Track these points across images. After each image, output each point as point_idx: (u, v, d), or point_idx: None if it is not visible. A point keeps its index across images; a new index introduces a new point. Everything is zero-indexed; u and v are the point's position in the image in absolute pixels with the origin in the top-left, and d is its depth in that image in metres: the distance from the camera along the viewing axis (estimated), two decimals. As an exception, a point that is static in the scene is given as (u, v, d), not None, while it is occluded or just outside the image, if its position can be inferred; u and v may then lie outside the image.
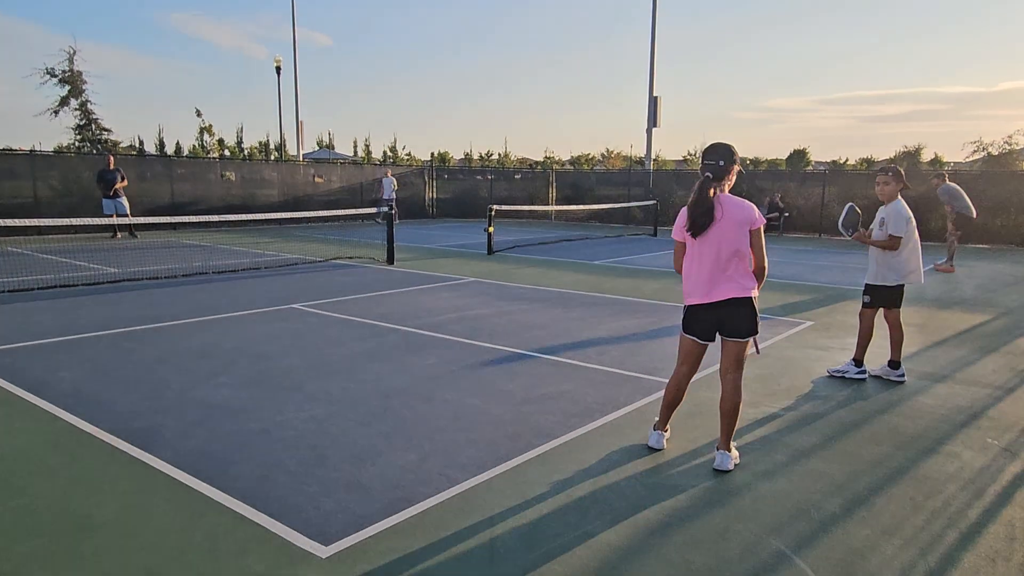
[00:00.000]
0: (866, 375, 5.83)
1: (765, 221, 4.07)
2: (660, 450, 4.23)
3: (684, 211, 4.01)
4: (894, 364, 5.84)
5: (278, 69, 29.67)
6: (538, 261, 13.97)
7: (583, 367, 6.02)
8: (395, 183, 23.62)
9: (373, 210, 21.03)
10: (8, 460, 3.94)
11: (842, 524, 3.36)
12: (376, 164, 30.32)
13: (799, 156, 31.08)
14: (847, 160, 28.69)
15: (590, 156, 41.61)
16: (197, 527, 3.22)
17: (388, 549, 3.06)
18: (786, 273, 12.56)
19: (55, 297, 8.97)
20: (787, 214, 21.59)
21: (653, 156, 27.46)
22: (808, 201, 22.01)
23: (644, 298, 9.61)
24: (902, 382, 5.75)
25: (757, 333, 4.03)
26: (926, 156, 26.58)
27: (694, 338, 4.07)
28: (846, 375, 5.84)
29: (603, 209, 23.57)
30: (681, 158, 46.56)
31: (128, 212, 16.48)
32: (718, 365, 4.20)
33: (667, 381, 4.34)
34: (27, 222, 10.44)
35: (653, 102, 25.56)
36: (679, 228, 4.03)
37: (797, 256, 15.46)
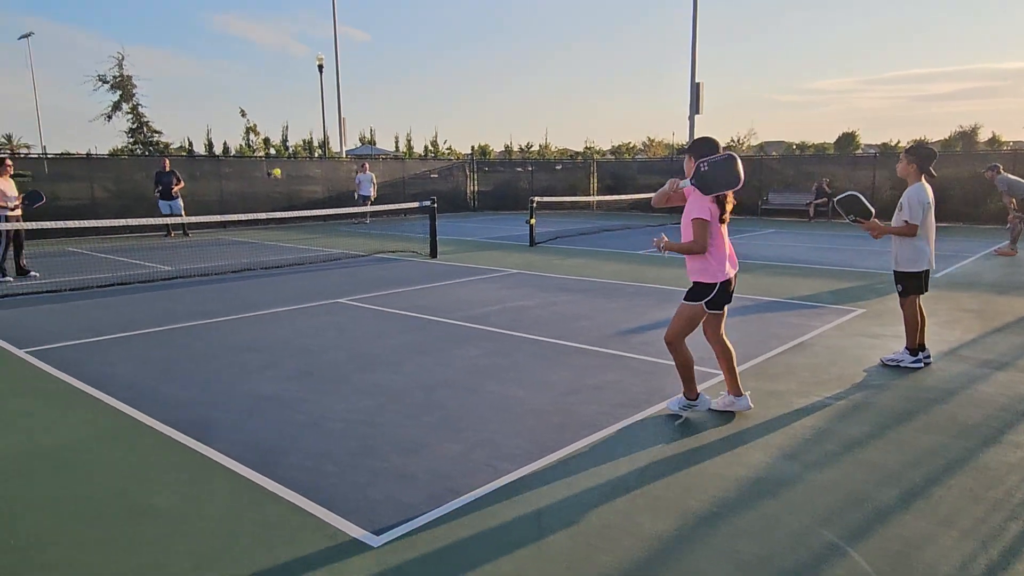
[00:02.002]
0: (922, 363, 5.65)
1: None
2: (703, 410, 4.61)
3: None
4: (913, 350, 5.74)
5: (320, 67, 30.07)
6: (580, 252, 13.90)
7: (628, 357, 5.98)
8: (375, 178, 21.62)
9: (358, 209, 19.07)
10: (72, 450, 4.11)
11: (898, 515, 3.27)
12: (419, 158, 30.54)
13: (847, 139, 30.25)
14: (899, 142, 27.78)
15: (631, 145, 41.20)
16: (250, 515, 3.31)
17: (437, 539, 3.09)
18: (835, 260, 12.24)
19: (113, 295, 9.30)
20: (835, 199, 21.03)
21: (695, 143, 26.99)
22: (858, 186, 21.36)
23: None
24: (919, 367, 5.63)
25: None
26: (983, 135, 25.55)
27: (716, 311, 4.48)
28: (900, 364, 5.67)
29: (645, 198, 23.25)
30: (724, 144, 45.75)
31: (183, 212, 16.96)
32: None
33: (709, 369, 4.32)
34: (86, 223, 10.83)
35: (695, 88, 25.12)
36: (708, 207, 4.30)
37: (846, 242, 15.05)
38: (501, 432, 4.33)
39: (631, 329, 7.06)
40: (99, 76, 27.68)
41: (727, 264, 4.40)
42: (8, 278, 10.50)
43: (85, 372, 5.65)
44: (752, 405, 4.66)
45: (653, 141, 41.83)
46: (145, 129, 28.77)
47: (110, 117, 28.45)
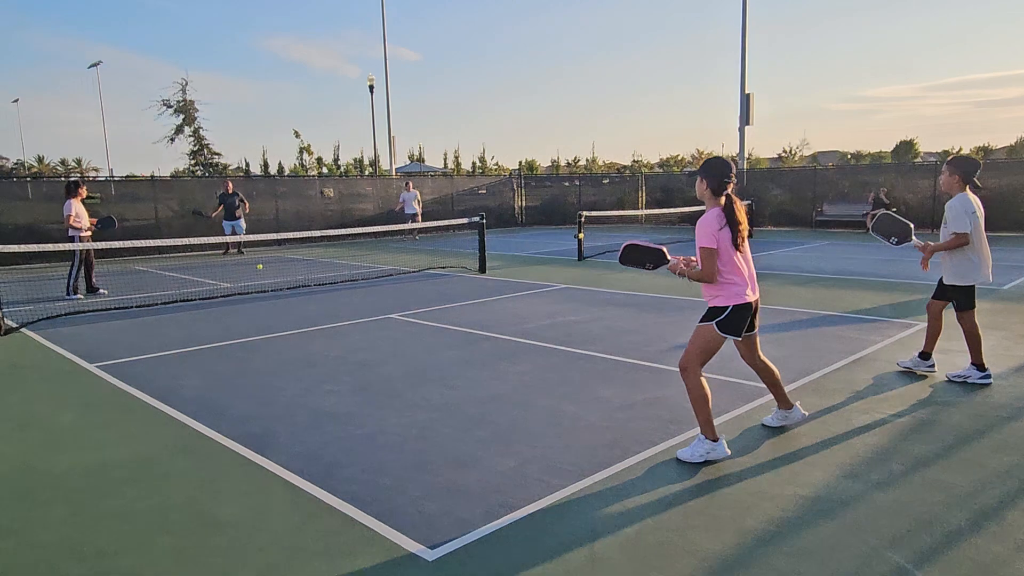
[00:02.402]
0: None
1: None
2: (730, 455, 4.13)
3: (716, 219, 4.02)
4: (925, 355, 5.75)
5: (371, 87, 30.80)
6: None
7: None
8: (419, 196, 21.76)
9: (406, 226, 18.43)
10: (143, 462, 4.28)
11: (969, 538, 3.15)
12: (466, 175, 30.87)
13: (906, 147, 29.35)
14: (960, 149, 26.83)
15: (679, 158, 40.87)
16: (311, 527, 3.39)
17: (491, 554, 3.11)
18: (896, 272, 11.87)
19: (176, 311, 9.66)
20: (893, 210, 20.41)
21: (746, 154, 26.62)
22: (917, 195, 20.73)
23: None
24: (932, 372, 5.68)
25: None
26: (1053, 141, 24.46)
27: (732, 336, 4.09)
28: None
29: (695, 211, 23.04)
30: (776, 155, 44.90)
31: (243, 232, 17.55)
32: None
33: (761, 384, 4.23)
34: (151, 243, 11.30)
35: (745, 99, 24.81)
36: (713, 235, 4.01)
37: (907, 253, 14.56)
38: (553, 447, 4.33)
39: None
40: (163, 101, 29.01)
41: (746, 289, 4.08)
42: (79, 295, 11.01)
43: (151, 386, 5.88)
44: (805, 413, 4.63)
45: (703, 153, 41.38)
46: (205, 151, 29.91)
47: (173, 140, 29.71)
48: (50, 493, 3.87)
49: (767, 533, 3.24)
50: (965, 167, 5.45)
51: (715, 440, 4.07)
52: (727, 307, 4.04)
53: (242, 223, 17.79)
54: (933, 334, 5.73)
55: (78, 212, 10.88)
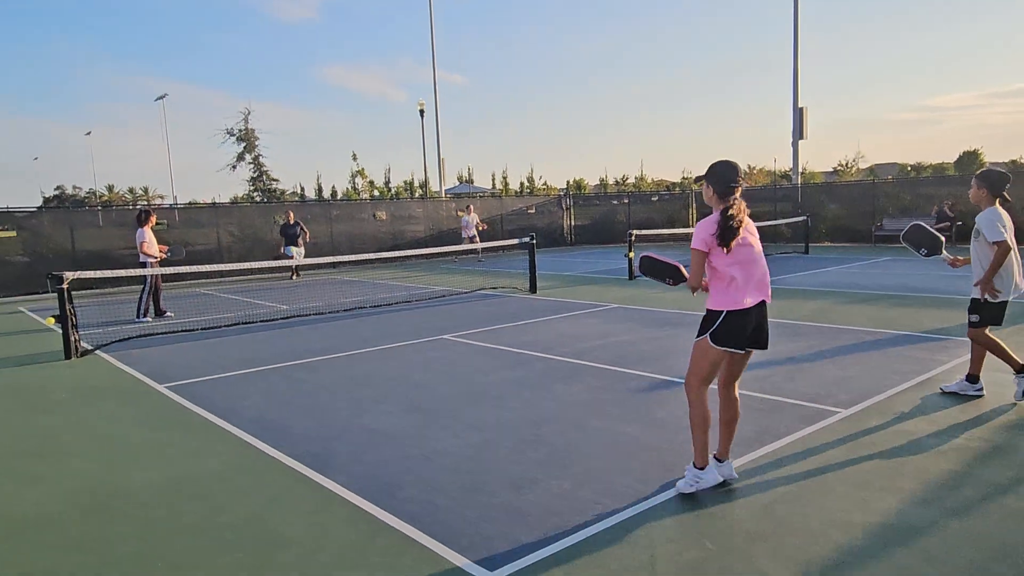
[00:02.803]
0: None
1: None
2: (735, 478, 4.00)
3: (713, 222, 3.91)
4: (972, 377, 5.54)
5: (421, 112, 31.35)
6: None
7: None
8: (477, 219, 21.79)
9: (464, 247, 18.72)
10: (209, 480, 4.42)
11: (1054, 570, 2.98)
12: (515, 195, 31.08)
13: (970, 158, 28.29)
14: (1030, 159, 25.68)
15: (730, 174, 40.16)
16: (373, 547, 3.44)
17: (550, 576, 3.10)
18: (964, 288, 11.40)
19: (237, 333, 9.97)
20: (959, 223, 19.66)
21: (800, 169, 26.09)
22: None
23: (800, 320, 9.10)
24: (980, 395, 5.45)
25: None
26: None
27: (724, 348, 3.86)
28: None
29: (748, 228, 22.65)
30: (831, 169, 43.87)
31: (300, 258, 17.97)
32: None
33: (827, 407, 4.09)
34: (213, 267, 11.73)
35: (798, 113, 24.37)
36: (704, 238, 3.94)
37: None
38: (610, 469, 4.29)
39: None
40: (227, 130, 30.18)
41: (744, 295, 3.83)
42: (148, 319, 11.47)
43: (216, 406, 6.07)
44: (736, 476, 4.03)
45: (754, 169, 40.71)
46: (264, 177, 30.94)
47: (235, 167, 30.84)
48: (123, 508, 4.03)
49: (836, 562, 3.14)
50: (993, 180, 5.29)
51: (702, 467, 3.90)
52: (721, 312, 3.84)
53: (302, 250, 18.20)
54: (979, 355, 5.51)
55: (150, 239, 11.38)
